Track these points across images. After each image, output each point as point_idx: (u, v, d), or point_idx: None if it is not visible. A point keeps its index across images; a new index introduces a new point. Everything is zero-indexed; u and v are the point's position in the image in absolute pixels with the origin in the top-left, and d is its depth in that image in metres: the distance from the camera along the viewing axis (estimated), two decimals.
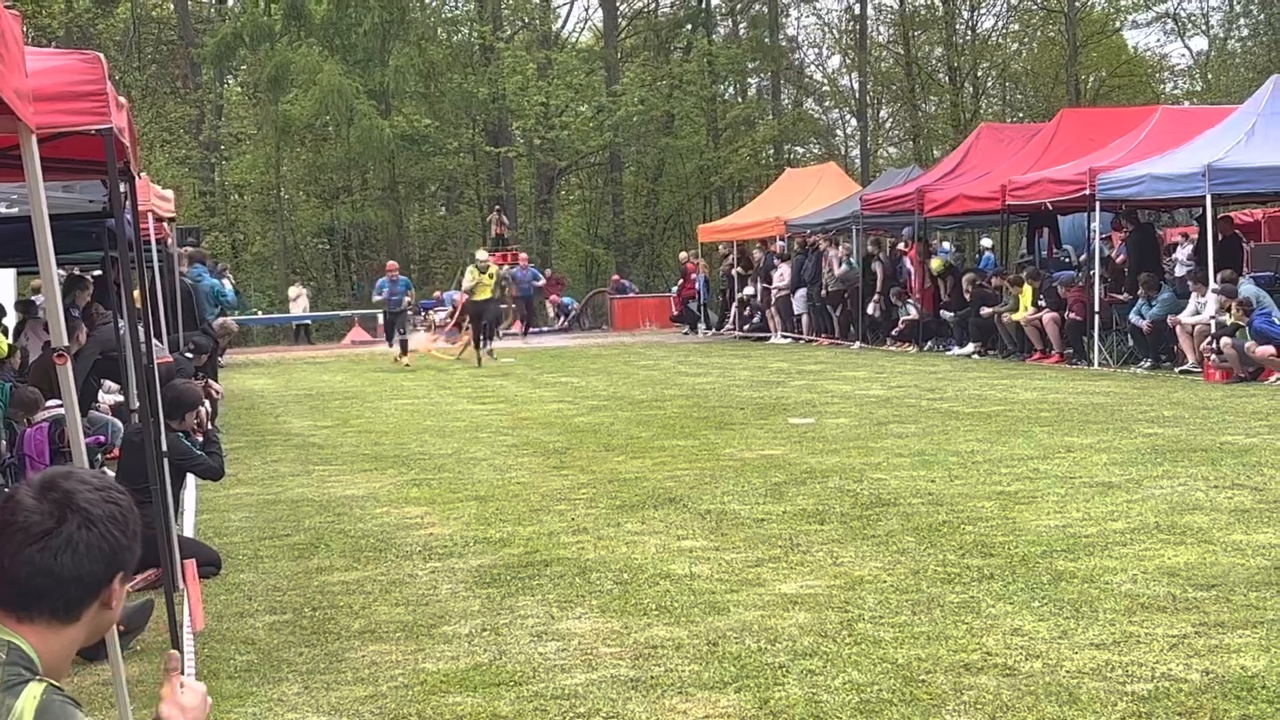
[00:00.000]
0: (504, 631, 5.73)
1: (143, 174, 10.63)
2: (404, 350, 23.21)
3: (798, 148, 51.04)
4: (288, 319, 36.06)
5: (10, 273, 16.88)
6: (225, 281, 25.75)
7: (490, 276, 22.56)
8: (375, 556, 7.39)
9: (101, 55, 5.10)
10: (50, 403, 9.08)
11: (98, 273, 13.31)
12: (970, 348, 21.22)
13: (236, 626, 6.03)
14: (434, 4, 47.65)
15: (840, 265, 25.26)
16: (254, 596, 6.60)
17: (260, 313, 36.59)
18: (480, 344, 22.63)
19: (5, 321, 12.57)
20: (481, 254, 24.03)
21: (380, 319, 34.32)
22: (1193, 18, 49.31)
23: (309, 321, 35.65)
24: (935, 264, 23.46)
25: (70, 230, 9.00)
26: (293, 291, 35.91)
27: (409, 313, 25.02)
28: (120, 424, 10.06)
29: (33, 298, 15.12)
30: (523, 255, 34.68)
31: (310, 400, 17.63)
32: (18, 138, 4.31)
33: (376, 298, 26.21)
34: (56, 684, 1.98)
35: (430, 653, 5.47)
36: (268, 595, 6.60)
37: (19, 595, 2.03)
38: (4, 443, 9.08)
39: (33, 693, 1.93)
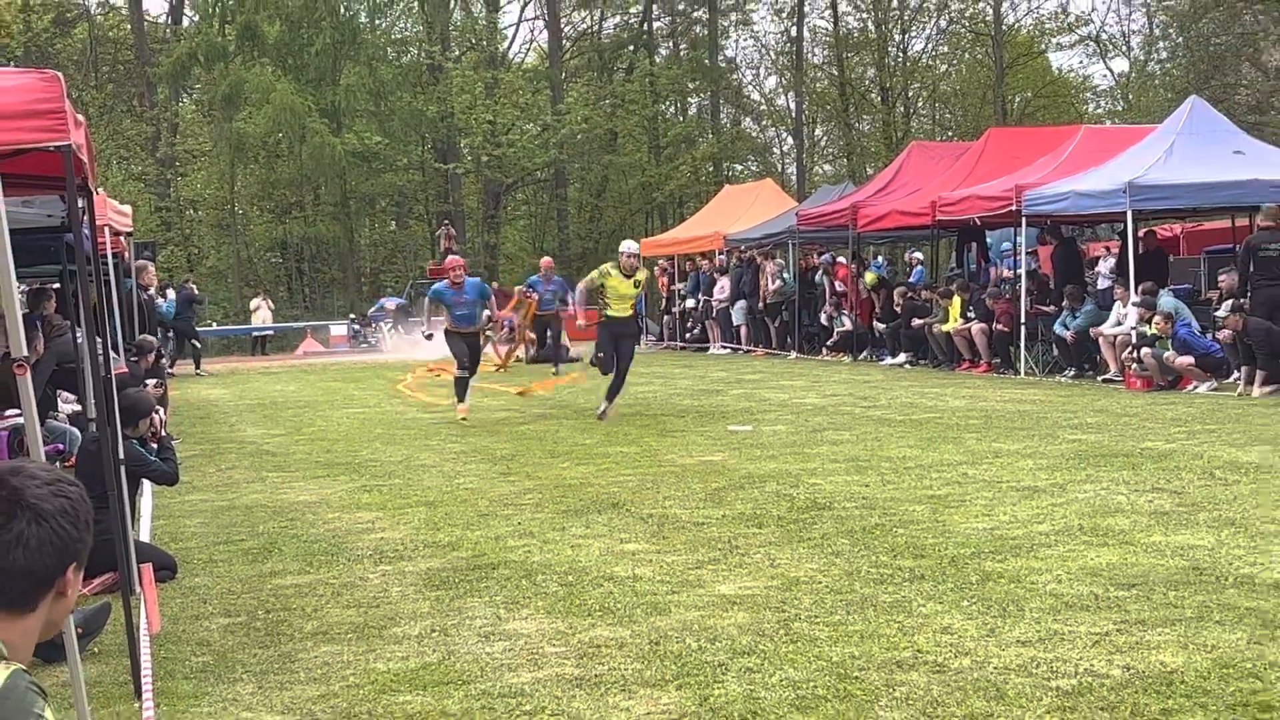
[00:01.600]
0: (452, 632, 5.77)
1: (100, 189, 10.70)
2: (462, 395, 14.86)
3: (736, 165, 51.55)
4: (246, 330, 35.85)
5: None
6: (170, 293, 25.87)
7: (637, 286, 14.57)
8: (327, 560, 7.44)
9: (60, 74, 5.12)
10: (9, 412, 9.08)
11: (56, 286, 13.34)
12: (902, 358, 21.53)
13: (192, 629, 6.06)
14: (384, 25, 47.74)
15: (774, 281, 25.57)
16: (209, 600, 6.63)
17: (215, 324, 36.38)
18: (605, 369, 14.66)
19: None
20: (630, 244, 14.78)
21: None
22: (1114, 40, 50.33)
23: (270, 332, 35.39)
24: (869, 277, 23.83)
25: (29, 245, 9.04)
26: (254, 303, 35.78)
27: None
28: (78, 433, 10.10)
29: None
30: (546, 260, 25.14)
31: (264, 409, 17.56)
32: None
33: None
34: (26, 669, 1.97)
35: (381, 653, 5.50)
36: (222, 598, 6.64)
37: None
38: None
39: None
